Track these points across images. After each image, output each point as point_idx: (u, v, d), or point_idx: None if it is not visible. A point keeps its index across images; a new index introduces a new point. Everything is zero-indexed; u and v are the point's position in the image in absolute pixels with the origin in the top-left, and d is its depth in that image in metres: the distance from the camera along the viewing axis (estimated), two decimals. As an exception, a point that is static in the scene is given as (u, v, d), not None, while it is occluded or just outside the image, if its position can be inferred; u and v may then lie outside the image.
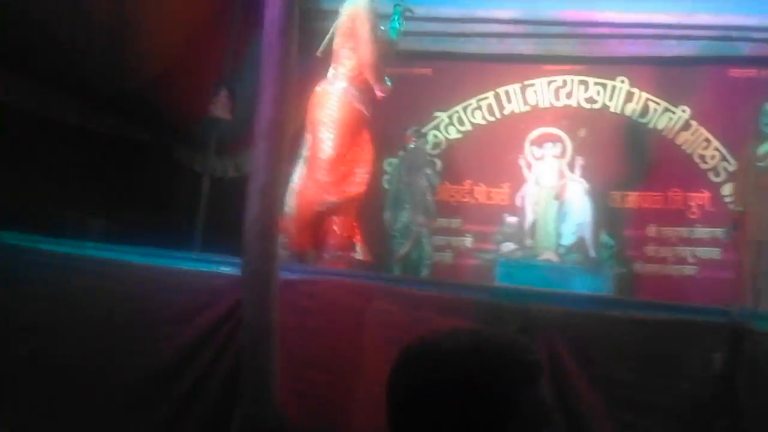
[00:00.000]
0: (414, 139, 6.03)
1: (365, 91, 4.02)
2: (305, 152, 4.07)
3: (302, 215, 3.97)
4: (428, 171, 6.13)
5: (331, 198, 3.96)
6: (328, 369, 2.51)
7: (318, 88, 4.08)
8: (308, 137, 4.07)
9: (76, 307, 2.70)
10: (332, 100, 3.97)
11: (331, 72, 4.10)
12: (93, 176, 5.13)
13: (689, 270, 6.29)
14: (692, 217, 6.31)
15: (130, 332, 2.63)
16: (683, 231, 6.33)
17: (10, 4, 4.10)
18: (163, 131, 5.78)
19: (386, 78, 4.07)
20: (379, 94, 4.08)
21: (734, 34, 6.09)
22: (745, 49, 6.14)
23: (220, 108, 5.57)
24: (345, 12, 4.10)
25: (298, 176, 4.05)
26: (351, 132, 3.99)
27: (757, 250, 4.90)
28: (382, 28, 4.12)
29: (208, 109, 5.51)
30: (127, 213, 5.38)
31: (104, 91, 5.03)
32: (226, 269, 2.80)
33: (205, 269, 2.86)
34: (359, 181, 4.05)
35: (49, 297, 2.74)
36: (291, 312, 2.46)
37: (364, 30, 3.95)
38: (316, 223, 4.01)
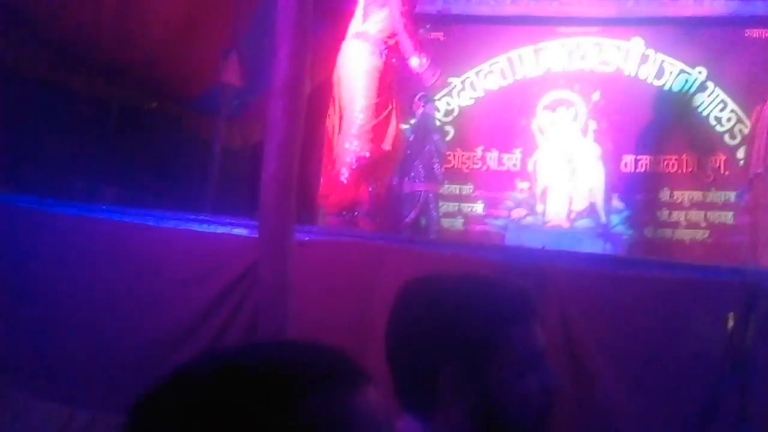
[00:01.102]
0: (422, 105, 5.98)
1: (394, 51, 3.92)
2: (336, 110, 3.99)
3: (336, 172, 3.87)
4: (435, 137, 6.09)
5: (365, 153, 3.84)
6: (342, 328, 2.53)
7: (346, 44, 3.98)
8: (338, 94, 3.97)
9: (90, 269, 2.72)
10: (363, 54, 3.86)
11: (359, 27, 3.97)
12: (104, 144, 5.14)
13: (701, 234, 6.25)
14: (706, 180, 6.26)
15: (146, 293, 2.66)
16: (696, 195, 6.28)
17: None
18: (173, 99, 5.77)
19: (422, 56, 3.95)
20: (415, 68, 3.97)
21: (751, -7, 5.97)
22: (762, 9, 6.01)
23: (230, 73, 5.55)
24: None
25: (332, 134, 3.99)
26: (385, 86, 3.89)
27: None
28: None
29: (218, 75, 5.49)
30: (138, 181, 5.41)
31: (114, 58, 5.01)
32: (240, 230, 2.81)
33: (218, 231, 2.88)
34: (390, 138, 3.96)
35: (64, 259, 2.76)
36: (305, 272, 2.47)
37: None
38: (351, 181, 3.89)
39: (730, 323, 2.38)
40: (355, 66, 3.86)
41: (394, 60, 3.91)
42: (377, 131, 3.86)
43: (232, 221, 2.91)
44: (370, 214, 3.93)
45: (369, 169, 3.88)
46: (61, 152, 4.87)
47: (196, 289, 2.67)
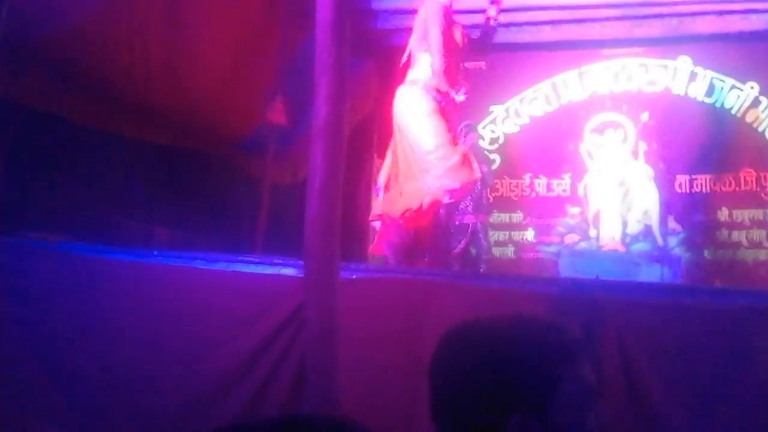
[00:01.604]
0: (464, 134, 5.94)
1: (443, 93, 3.98)
2: (392, 156, 4.06)
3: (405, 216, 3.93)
4: (484, 168, 6.04)
5: (448, 191, 3.89)
6: (390, 366, 2.50)
7: (400, 90, 4.06)
8: (398, 139, 4.05)
9: (142, 314, 2.76)
10: (418, 98, 3.94)
11: (410, 73, 4.07)
12: (155, 187, 5.27)
13: (765, 254, 6.00)
14: (766, 198, 6.03)
15: (196, 337, 2.68)
16: (757, 213, 6.04)
17: (70, 26, 4.25)
18: (222, 140, 5.90)
19: (460, 88, 4.01)
20: (456, 98, 4.02)
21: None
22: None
23: (276, 113, 5.65)
24: (420, 13, 4.06)
25: (385, 179, 4.06)
26: (448, 123, 3.97)
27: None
28: (458, 29, 4.06)
29: (264, 115, 5.60)
30: (190, 221, 5.52)
31: (163, 103, 5.16)
32: (288, 271, 2.82)
33: (267, 272, 2.89)
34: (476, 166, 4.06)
35: (117, 305, 2.81)
36: (352, 311, 2.45)
37: (434, 35, 3.88)
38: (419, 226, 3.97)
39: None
40: (415, 110, 3.90)
41: (441, 101, 3.96)
42: (463, 164, 3.91)
43: (281, 261, 2.93)
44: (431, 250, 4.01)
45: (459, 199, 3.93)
46: (115, 197, 5.01)
47: (245, 332, 2.68)
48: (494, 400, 1.00)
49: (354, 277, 2.65)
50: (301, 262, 2.52)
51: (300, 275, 2.57)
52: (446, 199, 3.90)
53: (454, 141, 3.98)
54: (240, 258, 3.14)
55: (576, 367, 1.03)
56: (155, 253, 3.24)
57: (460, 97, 4.00)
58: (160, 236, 5.23)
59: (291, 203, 5.83)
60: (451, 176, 3.85)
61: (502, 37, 6.45)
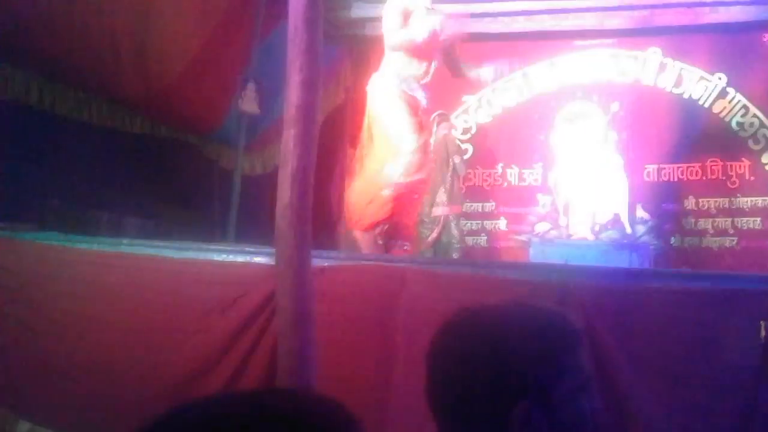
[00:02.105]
0: (436, 124, 5.96)
1: (415, 80, 4.02)
2: (366, 141, 4.09)
3: (374, 196, 3.98)
4: (456, 160, 6.07)
5: (412, 178, 3.96)
6: (365, 353, 2.51)
7: (373, 80, 4.12)
8: (368, 127, 4.10)
9: (112, 303, 2.74)
10: (392, 88, 3.99)
11: (383, 62, 4.13)
12: (125, 176, 5.21)
13: (730, 241, 6.13)
14: (732, 187, 6.15)
15: (166, 326, 2.66)
16: (723, 201, 6.16)
17: (39, 15, 4.17)
18: (192, 129, 5.84)
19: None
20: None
21: (768, -2, 5.89)
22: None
23: (248, 102, 5.61)
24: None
25: (361, 162, 4.10)
26: (417, 116, 4.03)
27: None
28: (415, 22, 4.08)
29: (235, 103, 5.56)
30: (161, 211, 5.47)
31: (132, 91, 5.09)
32: (259, 259, 2.81)
33: (238, 260, 2.88)
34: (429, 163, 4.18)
35: (86, 294, 2.78)
36: (325, 298, 2.46)
37: (387, 30, 3.98)
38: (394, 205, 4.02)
39: (763, 332, 2.31)
40: (387, 99, 3.94)
41: (412, 92, 3.99)
42: (420, 157, 3.98)
43: (253, 250, 2.92)
44: (411, 239, 4.04)
45: (412, 193, 4.02)
46: (85, 187, 4.95)
47: (217, 320, 2.67)
48: (500, 387, 1.00)
49: (326, 264, 2.65)
50: (273, 250, 2.51)
51: (271, 263, 2.57)
52: (386, 192, 3.93)
53: (420, 131, 4.01)
54: (211, 247, 3.12)
55: (577, 356, 1.04)
56: (124, 242, 3.20)
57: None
58: (130, 226, 5.18)
59: (261, 193, 5.82)
60: (401, 172, 3.91)
61: (475, 26, 6.50)
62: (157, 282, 2.80)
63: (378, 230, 3.97)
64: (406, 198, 4.02)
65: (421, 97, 4.08)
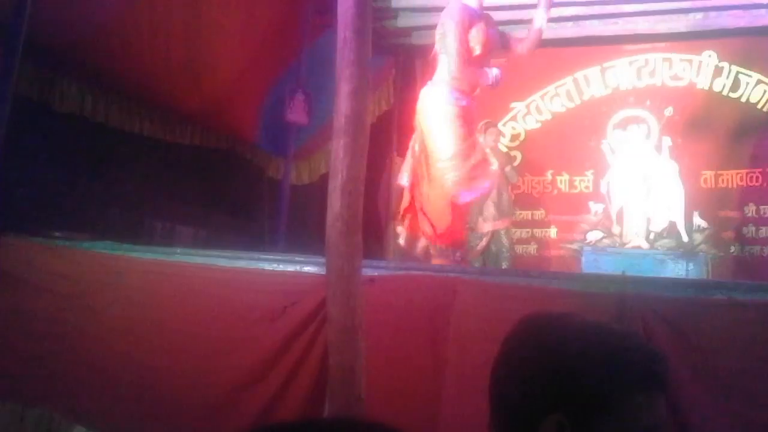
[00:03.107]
0: (484, 131, 5.89)
1: (466, 93, 3.99)
2: (416, 152, 4.07)
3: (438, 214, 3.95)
4: (506, 169, 5.99)
5: (473, 193, 3.97)
6: (414, 364, 2.48)
7: (423, 91, 4.08)
8: (418, 137, 4.07)
9: (165, 311, 2.78)
10: (439, 101, 3.94)
11: (435, 74, 4.08)
12: (178, 186, 5.32)
13: (793, 250, 5.90)
14: (794, 193, 5.92)
15: (217, 334, 2.69)
16: (785, 209, 5.94)
17: (92, 27, 4.30)
18: (241, 137, 5.92)
19: (486, 80, 4.04)
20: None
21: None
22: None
23: (296, 112, 5.66)
24: (442, 14, 4.07)
25: (409, 174, 4.06)
26: (469, 128, 3.99)
27: None
28: (476, 32, 4.03)
29: (284, 114, 5.62)
30: (212, 220, 5.55)
31: (184, 102, 5.19)
32: (310, 268, 2.81)
33: (289, 269, 2.89)
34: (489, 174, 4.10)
35: (141, 302, 2.83)
36: (375, 308, 2.44)
37: (450, 39, 3.89)
38: (457, 222, 4.00)
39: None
40: (436, 113, 3.91)
41: (464, 102, 3.95)
42: (476, 171, 3.93)
43: (303, 259, 2.92)
44: (463, 247, 4.01)
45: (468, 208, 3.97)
46: (139, 197, 5.07)
47: (267, 329, 2.68)
48: (545, 391, 0.95)
49: (376, 273, 2.63)
50: (322, 259, 2.51)
51: (321, 272, 2.56)
52: (459, 201, 3.92)
53: (472, 147, 3.96)
54: (262, 256, 3.14)
55: (652, 401, 0.96)
56: (178, 251, 3.25)
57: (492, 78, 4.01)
58: (183, 235, 5.27)
59: (309, 202, 5.88)
60: (464, 185, 3.87)
61: (523, 33, 6.43)
62: (209, 290, 2.82)
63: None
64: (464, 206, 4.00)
65: (473, 106, 4.04)
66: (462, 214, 4.08)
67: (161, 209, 5.23)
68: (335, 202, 2.26)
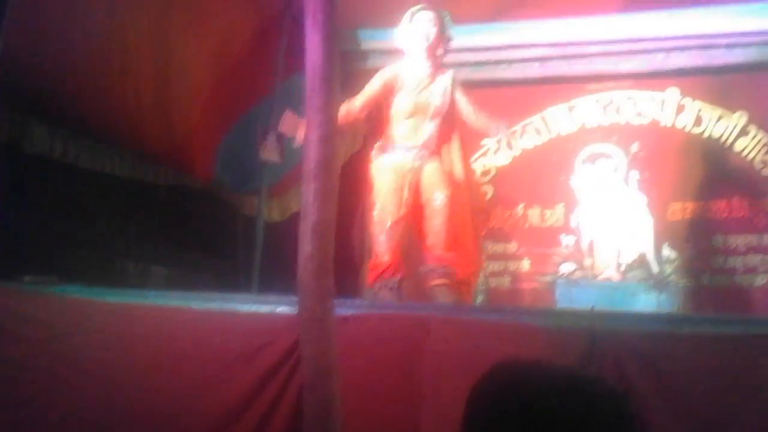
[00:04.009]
0: None
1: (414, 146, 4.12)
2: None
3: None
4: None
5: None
6: (390, 403, 2.48)
7: (375, 152, 4.26)
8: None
9: (137, 355, 2.75)
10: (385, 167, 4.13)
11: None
12: (151, 226, 5.28)
13: (761, 279, 6.01)
14: (759, 224, 6.06)
15: (192, 376, 2.67)
16: (752, 239, 6.07)
17: (63, 74, 4.30)
18: (211, 178, 5.92)
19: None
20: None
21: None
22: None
23: (270, 151, 5.67)
24: None
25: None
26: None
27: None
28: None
29: (257, 153, 5.63)
30: (185, 259, 5.51)
31: (154, 142, 5.19)
32: (283, 309, 2.81)
33: (262, 310, 2.89)
34: None
35: (113, 346, 2.80)
36: (350, 348, 2.45)
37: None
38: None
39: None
40: (382, 176, 4.09)
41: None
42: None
43: (276, 299, 2.92)
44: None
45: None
46: (112, 238, 5.02)
47: (241, 370, 2.67)
48: None
49: (350, 313, 2.64)
50: (296, 299, 2.52)
51: (295, 312, 2.57)
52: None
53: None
54: (235, 297, 3.13)
55: None
56: (151, 294, 3.23)
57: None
58: (156, 275, 5.22)
59: (281, 240, 5.87)
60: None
61: (490, 73, 6.58)
62: (181, 333, 2.81)
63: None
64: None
65: (418, 162, 4.13)
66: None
67: (133, 250, 5.18)
68: (306, 245, 2.28)
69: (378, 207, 4.06)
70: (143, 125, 5.01)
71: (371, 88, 4.08)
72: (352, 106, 3.94)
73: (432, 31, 4.20)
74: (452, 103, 4.26)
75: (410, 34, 4.25)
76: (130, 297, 3.13)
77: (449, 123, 4.30)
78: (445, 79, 4.30)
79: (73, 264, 4.47)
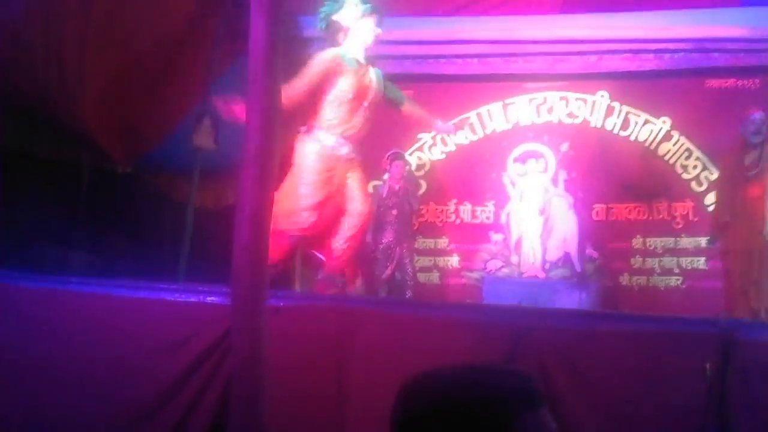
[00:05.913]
0: (389, 162, 5.99)
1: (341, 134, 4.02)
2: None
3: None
4: (412, 193, 6.14)
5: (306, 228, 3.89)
6: (319, 395, 2.48)
7: (301, 137, 4.06)
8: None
9: (58, 342, 2.66)
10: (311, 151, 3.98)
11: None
12: (72, 209, 5.09)
13: (675, 280, 6.31)
14: (677, 227, 6.35)
15: (117, 365, 2.60)
16: (668, 241, 6.36)
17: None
18: (144, 161, 5.76)
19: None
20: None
21: (709, 45, 6.17)
22: (721, 60, 6.21)
23: (203, 138, 5.55)
24: None
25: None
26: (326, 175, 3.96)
27: (748, 260, 4.87)
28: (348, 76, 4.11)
29: (190, 138, 5.50)
30: (109, 245, 5.34)
31: (81, 123, 5.00)
32: (213, 299, 2.77)
33: (192, 299, 2.83)
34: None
35: (32, 333, 2.70)
36: (280, 339, 2.43)
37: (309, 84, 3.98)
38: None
39: (708, 373, 2.38)
40: (307, 159, 3.94)
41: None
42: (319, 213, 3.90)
43: (206, 289, 2.87)
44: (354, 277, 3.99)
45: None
46: (31, 220, 4.81)
47: (168, 359, 2.62)
48: None
49: (282, 304, 2.63)
50: (226, 289, 2.48)
51: (225, 303, 2.53)
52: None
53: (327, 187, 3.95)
54: (163, 286, 3.06)
55: (539, 415, 1.03)
56: (73, 280, 3.12)
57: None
58: (76, 262, 5.04)
59: (214, 227, 5.75)
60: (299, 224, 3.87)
61: (430, 68, 6.64)
62: (107, 321, 2.73)
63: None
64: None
65: (345, 151, 4.06)
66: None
67: (53, 233, 4.99)
68: (242, 232, 2.25)
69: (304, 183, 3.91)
70: (66, 103, 4.82)
71: (312, 70, 4.00)
72: (293, 90, 3.83)
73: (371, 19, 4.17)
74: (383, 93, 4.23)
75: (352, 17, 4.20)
76: (50, 283, 3.01)
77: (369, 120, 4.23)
78: (377, 70, 4.29)
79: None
